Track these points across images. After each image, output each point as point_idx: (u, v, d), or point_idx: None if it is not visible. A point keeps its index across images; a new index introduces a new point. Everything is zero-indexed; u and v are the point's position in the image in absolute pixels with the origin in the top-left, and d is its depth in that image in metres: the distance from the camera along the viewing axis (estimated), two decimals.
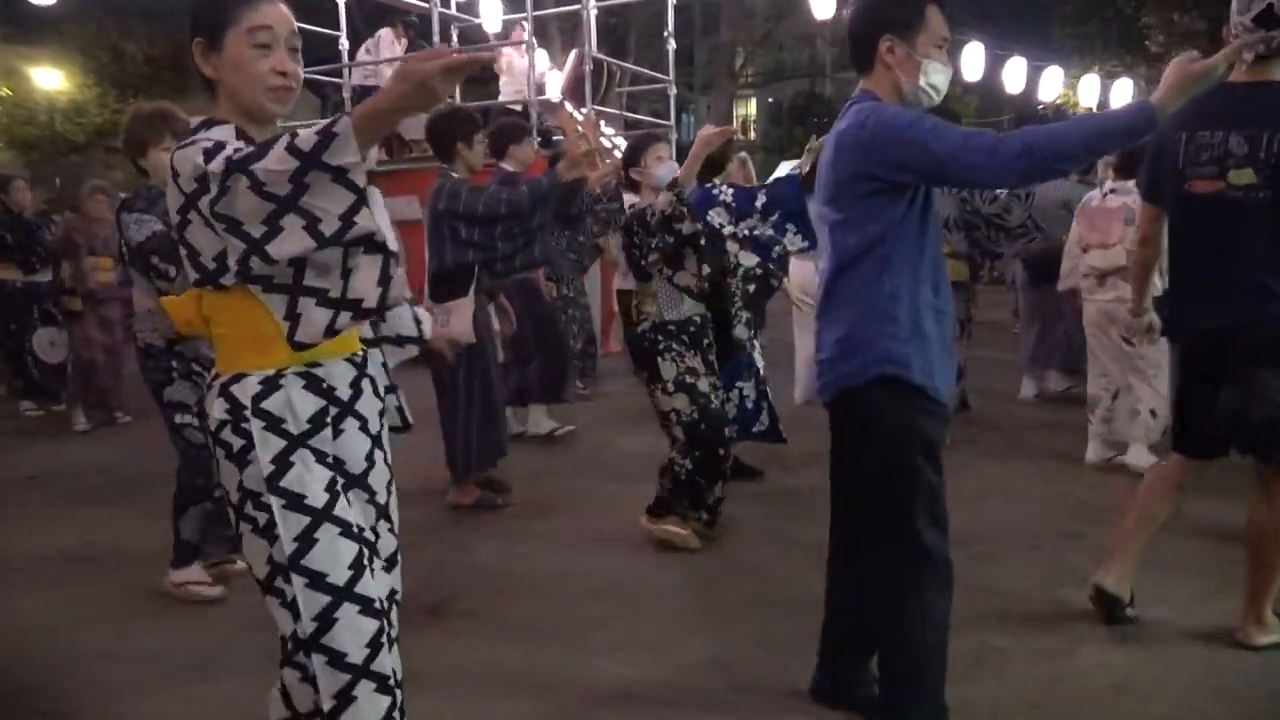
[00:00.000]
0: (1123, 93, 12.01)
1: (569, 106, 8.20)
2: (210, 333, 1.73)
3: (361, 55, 9.19)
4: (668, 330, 3.57)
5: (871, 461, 2.17)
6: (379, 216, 1.54)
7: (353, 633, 1.68)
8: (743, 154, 5.78)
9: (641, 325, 3.60)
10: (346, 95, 9.39)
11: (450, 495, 4.27)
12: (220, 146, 1.55)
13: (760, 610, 3.11)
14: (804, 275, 5.75)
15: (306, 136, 1.44)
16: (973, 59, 10.25)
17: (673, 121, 9.78)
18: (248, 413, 1.65)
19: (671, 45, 9.31)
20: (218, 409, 1.67)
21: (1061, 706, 2.45)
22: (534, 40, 8.48)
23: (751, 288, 4.33)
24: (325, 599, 1.67)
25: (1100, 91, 11.99)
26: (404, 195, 6.96)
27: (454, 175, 4.08)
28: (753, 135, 33.95)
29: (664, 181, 3.58)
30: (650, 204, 3.57)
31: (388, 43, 9.01)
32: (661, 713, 2.48)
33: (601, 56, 9.02)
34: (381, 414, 1.86)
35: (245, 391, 1.66)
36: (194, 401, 3.26)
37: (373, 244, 1.58)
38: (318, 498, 1.68)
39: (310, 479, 1.68)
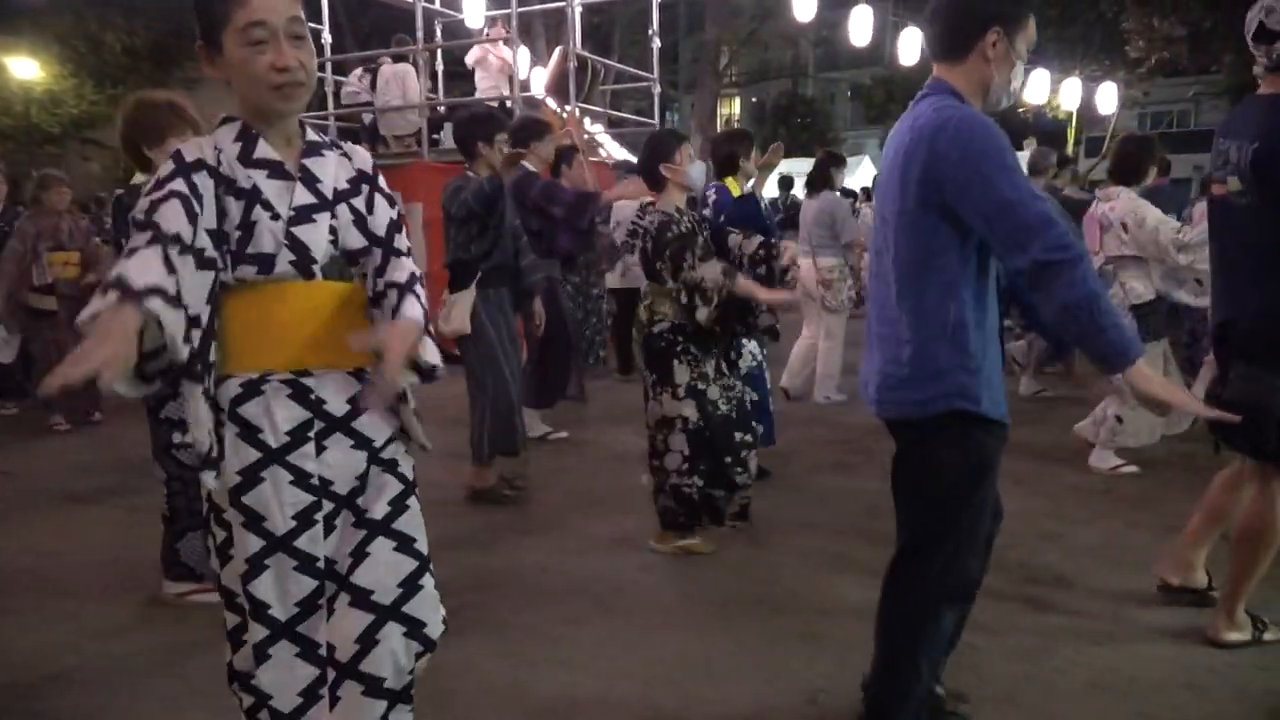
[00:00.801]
0: (1106, 96, 12.09)
1: (552, 104, 8.18)
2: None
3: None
4: (687, 331, 3.43)
5: (926, 478, 2.07)
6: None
7: (285, 674, 1.58)
8: None
9: (658, 325, 3.45)
10: (329, 90, 9.32)
11: (467, 478, 4.36)
12: (157, 185, 1.53)
13: (740, 609, 3.12)
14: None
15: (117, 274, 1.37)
16: None
17: (657, 120, 9.78)
18: (224, 416, 1.57)
19: (656, 43, 9.31)
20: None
21: (1036, 703, 2.47)
22: (517, 36, 8.45)
23: (761, 270, 4.30)
24: (263, 632, 1.58)
25: (1082, 95, 12.07)
26: None
27: (470, 175, 4.14)
28: None
29: (697, 182, 3.59)
30: (686, 216, 3.49)
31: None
32: (642, 712, 2.48)
33: (585, 54, 9.00)
34: (395, 435, 1.73)
35: (225, 394, 1.58)
36: None
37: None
38: (278, 523, 1.58)
39: (275, 502, 1.57)
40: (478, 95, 9.04)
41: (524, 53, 9.24)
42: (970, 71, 1.99)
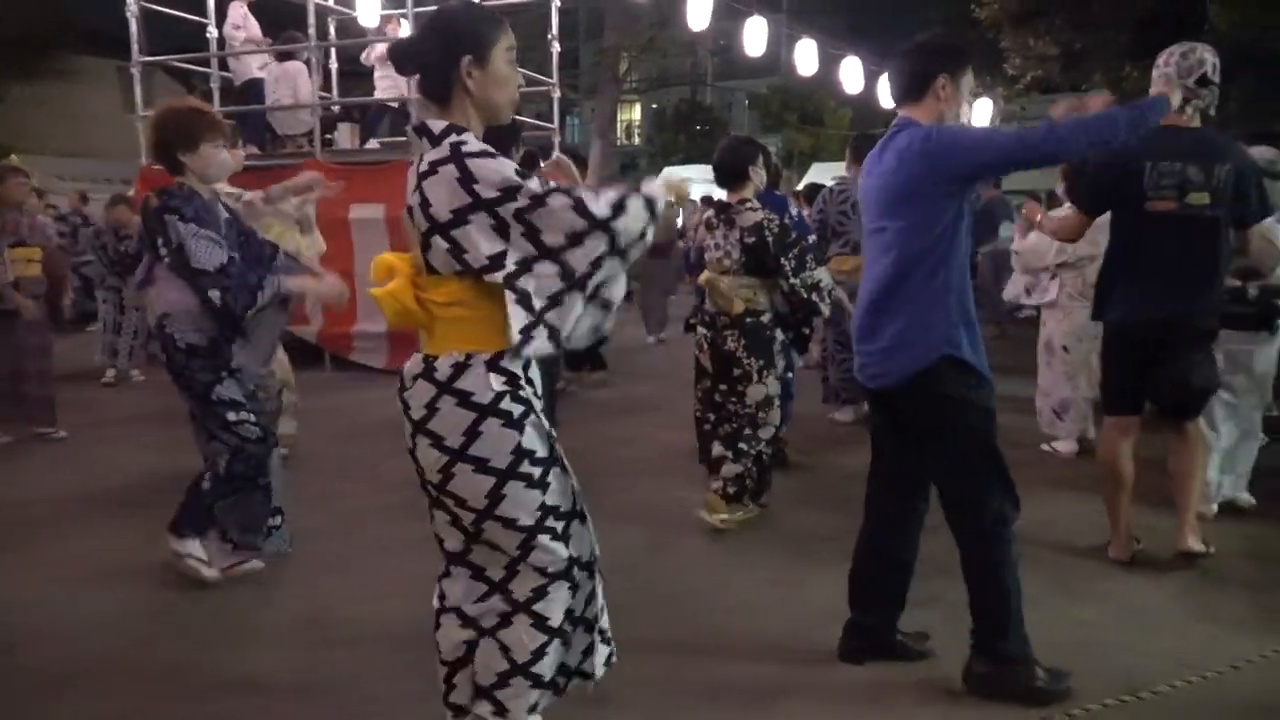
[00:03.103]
0: (983, 110, 12.71)
1: None
2: (444, 317, 1.91)
3: (230, 33, 8.74)
4: (776, 321, 3.94)
5: (950, 438, 2.50)
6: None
7: (587, 542, 2.08)
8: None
9: (762, 316, 3.89)
10: (215, 86, 8.99)
11: None
12: (526, 173, 1.87)
13: (687, 601, 3.19)
14: None
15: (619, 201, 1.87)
16: (849, 73, 10.65)
17: (556, 124, 9.77)
18: (522, 381, 1.94)
19: (555, 48, 9.30)
20: (494, 382, 1.89)
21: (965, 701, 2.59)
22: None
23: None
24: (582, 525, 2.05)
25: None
26: None
27: None
28: (637, 140, 34.22)
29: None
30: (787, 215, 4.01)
31: (239, 17, 8.63)
32: (585, 710, 2.46)
33: None
34: None
35: (516, 365, 1.94)
36: (244, 397, 3.26)
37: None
38: (556, 449, 2.02)
39: (549, 434, 2.01)
40: (377, 95, 8.86)
41: None
42: (928, 109, 2.51)
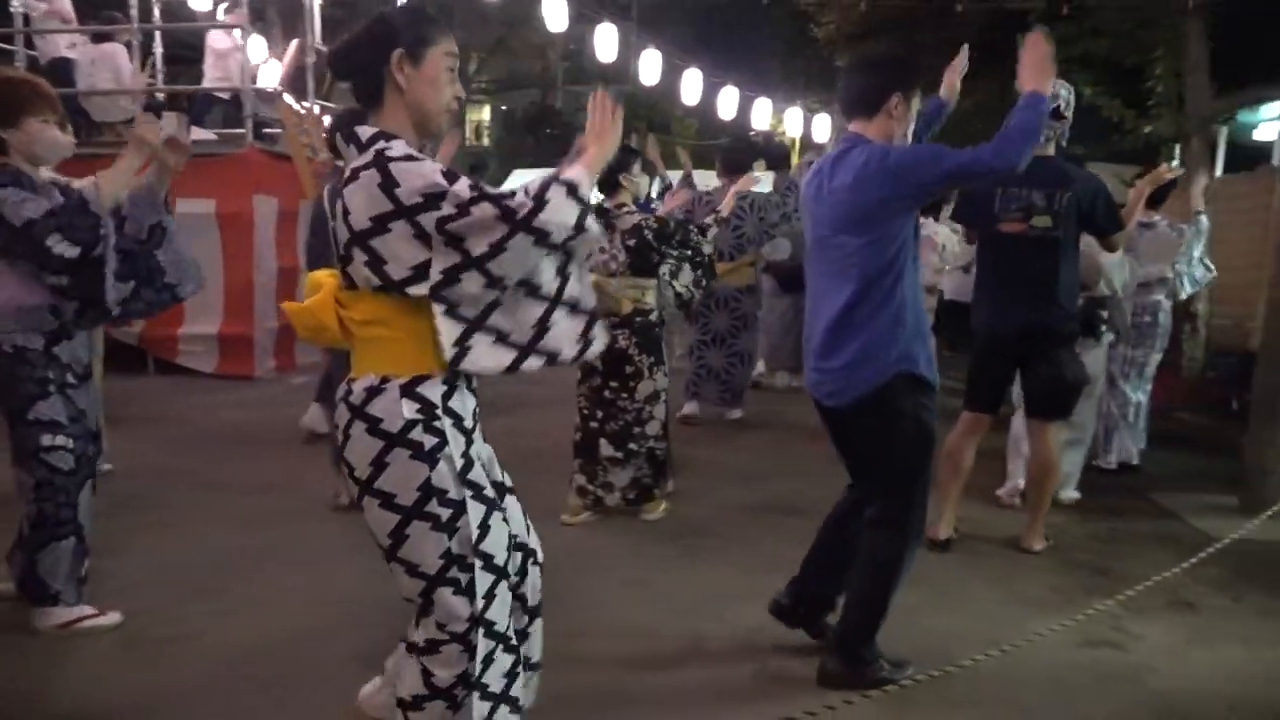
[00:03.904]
0: (822, 126, 13.33)
1: (289, 99, 7.78)
2: (361, 337, 1.81)
3: (32, 4, 8.03)
4: (662, 320, 4.17)
5: (895, 452, 2.56)
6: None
7: (503, 606, 1.90)
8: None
9: (650, 315, 4.06)
10: (20, 64, 8.25)
11: None
12: (454, 174, 1.75)
13: (575, 596, 3.13)
14: None
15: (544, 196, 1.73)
16: (691, 84, 10.89)
17: None
18: (439, 411, 1.81)
19: None
20: (406, 409, 1.78)
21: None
22: (249, 25, 7.95)
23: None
24: (491, 578, 1.86)
25: (803, 124, 13.20)
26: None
27: None
28: (487, 142, 33.83)
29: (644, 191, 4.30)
30: (671, 213, 4.30)
31: None
32: None
33: (325, 48, 8.61)
34: None
35: (434, 391, 1.81)
36: (67, 419, 2.81)
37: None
38: (488, 489, 1.90)
39: (479, 472, 1.89)
40: (205, 84, 8.39)
41: (258, 42, 8.68)
42: (879, 125, 2.57)
